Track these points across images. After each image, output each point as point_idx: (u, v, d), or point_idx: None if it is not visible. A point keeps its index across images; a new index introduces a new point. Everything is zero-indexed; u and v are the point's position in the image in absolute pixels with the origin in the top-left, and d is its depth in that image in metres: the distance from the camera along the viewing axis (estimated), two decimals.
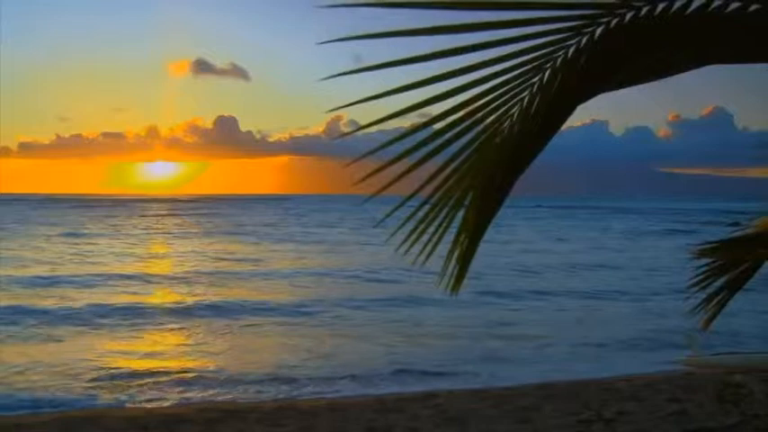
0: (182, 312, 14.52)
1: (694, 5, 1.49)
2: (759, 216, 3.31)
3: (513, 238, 34.39)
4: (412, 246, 1.69)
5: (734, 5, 1.50)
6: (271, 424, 6.85)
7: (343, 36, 1.48)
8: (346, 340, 11.98)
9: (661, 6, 1.49)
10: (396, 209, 1.65)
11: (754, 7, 1.51)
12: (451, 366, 10.02)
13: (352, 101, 1.55)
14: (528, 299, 16.74)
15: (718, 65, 1.76)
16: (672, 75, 1.68)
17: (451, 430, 6.66)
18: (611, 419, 6.78)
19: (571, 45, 1.54)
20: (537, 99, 1.57)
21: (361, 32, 1.47)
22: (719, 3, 1.50)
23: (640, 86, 1.76)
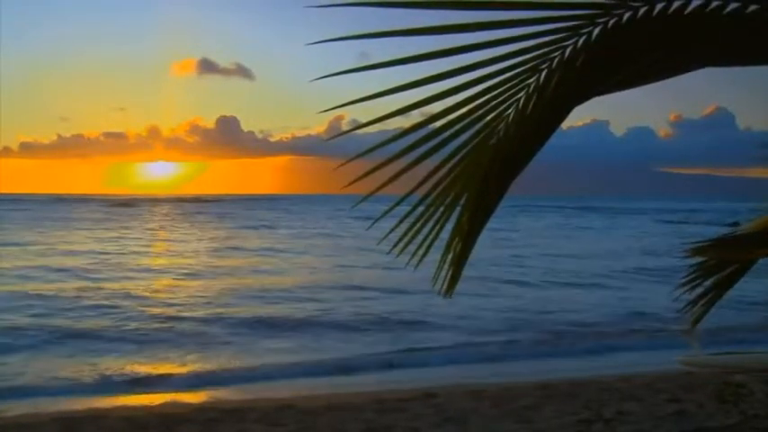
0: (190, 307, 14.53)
1: (692, 6, 1.48)
2: (756, 215, 3.31)
3: (514, 239, 34.34)
4: (406, 247, 1.68)
5: (732, 6, 1.49)
6: (270, 423, 6.84)
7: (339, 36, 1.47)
8: (345, 335, 12.04)
9: (659, 6, 1.48)
10: (387, 212, 1.64)
11: (752, 8, 1.49)
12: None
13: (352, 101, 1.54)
14: (527, 297, 16.71)
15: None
16: (669, 77, 1.66)
17: (451, 430, 6.65)
18: (611, 419, 6.76)
19: (568, 46, 1.52)
20: (533, 100, 1.56)
21: (362, 32, 1.45)
22: (718, 3, 1.48)
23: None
